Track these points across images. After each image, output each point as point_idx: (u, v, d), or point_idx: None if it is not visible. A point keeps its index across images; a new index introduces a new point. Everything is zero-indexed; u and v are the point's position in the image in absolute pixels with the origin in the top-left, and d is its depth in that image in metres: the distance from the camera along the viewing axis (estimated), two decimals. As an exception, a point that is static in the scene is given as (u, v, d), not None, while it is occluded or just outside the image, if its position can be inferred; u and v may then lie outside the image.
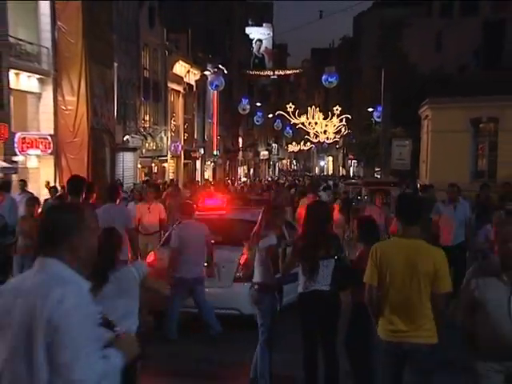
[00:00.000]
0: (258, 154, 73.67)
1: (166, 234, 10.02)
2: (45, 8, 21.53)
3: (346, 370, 6.11)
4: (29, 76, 20.83)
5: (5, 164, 17.86)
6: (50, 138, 20.69)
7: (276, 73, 58.01)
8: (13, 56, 19.28)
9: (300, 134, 71.35)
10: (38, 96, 21.55)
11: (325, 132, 52.86)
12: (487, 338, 4.20)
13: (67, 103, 21.90)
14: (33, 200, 10.43)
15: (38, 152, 20.37)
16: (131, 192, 18.77)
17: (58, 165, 21.64)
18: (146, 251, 9.90)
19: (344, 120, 51.31)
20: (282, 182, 42.72)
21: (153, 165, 34.00)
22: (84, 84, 21.91)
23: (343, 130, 53.04)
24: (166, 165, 36.49)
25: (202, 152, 44.76)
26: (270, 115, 62.83)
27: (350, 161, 73.61)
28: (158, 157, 34.37)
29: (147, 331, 5.52)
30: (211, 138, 48.08)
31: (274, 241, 6.54)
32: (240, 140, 61.68)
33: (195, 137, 42.77)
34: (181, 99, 38.68)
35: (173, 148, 36.24)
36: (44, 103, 21.58)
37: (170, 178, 34.24)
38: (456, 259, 8.88)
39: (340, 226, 12.31)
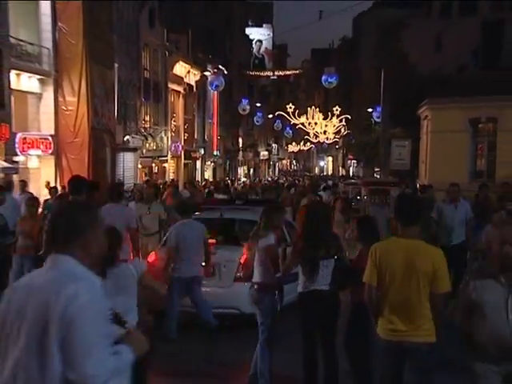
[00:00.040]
0: (258, 154, 73.65)
1: (167, 234, 10.04)
2: (45, 8, 21.55)
3: (346, 370, 6.12)
4: (29, 76, 20.85)
5: (6, 164, 17.85)
6: (50, 138, 20.73)
7: (276, 73, 57.94)
8: (14, 56, 19.32)
9: (300, 135, 71.41)
10: (39, 96, 21.57)
11: (324, 132, 52.91)
12: (485, 339, 4.22)
13: (68, 103, 21.91)
14: (33, 200, 10.44)
15: (39, 152, 20.41)
16: (131, 192, 18.76)
17: (58, 165, 21.66)
18: (146, 251, 9.92)
19: (344, 120, 51.37)
20: (282, 182, 42.74)
21: (153, 165, 34.01)
22: (85, 84, 21.92)
23: (343, 130, 53.13)
24: (166, 165, 36.50)
25: (202, 152, 44.77)
26: (270, 115, 62.84)
27: (349, 161, 73.52)
28: (159, 157, 34.38)
29: (147, 330, 5.55)
30: (211, 138, 48.08)
31: (273, 241, 6.55)
32: (240, 140, 61.69)
33: (195, 137, 42.77)
34: (181, 99, 38.70)
35: (173, 148, 36.25)
36: (45, 103, 21.59)
37: (171, 178, 34.26)
38: (456, 259, 8.91)
39: (340, 225, 12.32)
